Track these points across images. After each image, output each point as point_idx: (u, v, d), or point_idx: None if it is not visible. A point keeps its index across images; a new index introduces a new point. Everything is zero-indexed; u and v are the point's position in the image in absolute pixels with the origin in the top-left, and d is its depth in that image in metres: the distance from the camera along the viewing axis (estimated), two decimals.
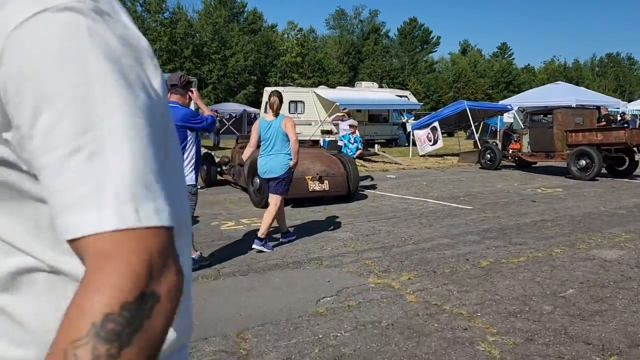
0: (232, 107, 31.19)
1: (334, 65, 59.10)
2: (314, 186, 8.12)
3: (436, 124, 16.65)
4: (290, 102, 22.31)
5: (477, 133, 23.28)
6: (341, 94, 23.06)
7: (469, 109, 16.32)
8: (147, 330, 0.50)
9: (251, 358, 2.99)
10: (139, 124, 0.56)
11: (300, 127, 22.08)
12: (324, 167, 8.35)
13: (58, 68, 0.54)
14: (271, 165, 5.37)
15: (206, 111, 4.72)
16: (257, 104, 37.84)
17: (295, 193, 7.80)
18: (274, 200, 5.45)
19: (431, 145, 16.90)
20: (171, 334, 0.70)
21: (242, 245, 5.65)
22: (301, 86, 57.49)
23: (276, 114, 5.36)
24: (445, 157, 17.62)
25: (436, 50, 68.85)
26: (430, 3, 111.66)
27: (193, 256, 4.58)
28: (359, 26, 67.89)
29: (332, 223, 6.85)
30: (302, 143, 7.14)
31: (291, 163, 5.34)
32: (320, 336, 3.28)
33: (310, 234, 6.22)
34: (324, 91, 23.08)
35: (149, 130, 0.57)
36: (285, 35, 60.40)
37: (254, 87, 54.37)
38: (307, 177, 8.11)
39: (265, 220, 5.37)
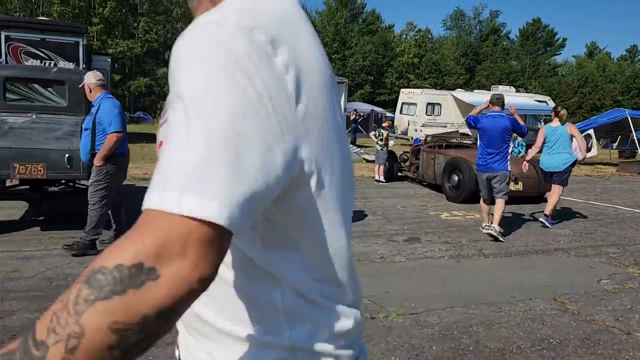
0: (361, 107, 32.35)
1: (450, 67, 58.57)
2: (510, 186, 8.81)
3: (591, 131, 16.48)
4: (428, 104, 22.97)
5: (615, 142, 22.45)
6: (480, 97, 23.28)
7: (631, 117, 15.98)
8: (128, 298, 0.50)
9: (582, 316, 3.83)
10: (230, 132, 0.56)
11: (435, 129, 22.89)
12: (518, 169, 9.02)
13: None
14: (556, 161, 6.92)
15: (520, 120, 6.33)
16: (373, 104, 38.77)
17: None
18: (557, 189, 7.06)
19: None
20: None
21: (475, 232, 6.52)
22: (416, 87, 57.97)
23: (562, 121, 6.81)
24: (595, 165, 17.37)
25: (560, 53, 65.69)
26: (556, 3, 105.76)
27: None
28: (478, 27, 66.49)
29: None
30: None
31: (579, 157, 7.02)
32: (629, 306, 4.05)
33: (530, 229, 6.98)
34: (461, 94, 23.46)
35: (237, 141, 0.56)
36: (404, 36, 60.78)
37: (370, 87, 55.55)
38: None
39: (551, 203, 7.10)
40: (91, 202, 4.91)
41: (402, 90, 25.30)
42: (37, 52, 14.72)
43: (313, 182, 0.68)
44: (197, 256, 0.53)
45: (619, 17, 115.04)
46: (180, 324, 0.81)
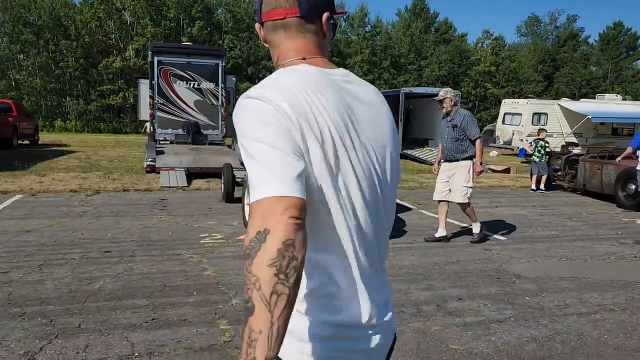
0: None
1: (528, 74, 57.70)
2: None
3: None
4: (534, 114, 23.18)
5: None
6: (586, 106, 23.25)
7: None
8: (263, 251, 0.87)
9: None
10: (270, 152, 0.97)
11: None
12: None
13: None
14: None
15: None
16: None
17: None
18: None
19: None
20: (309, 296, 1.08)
21: None
22: (493, 96, 57.31)
23: None
24: None
25: None
26: (638, 5, 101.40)
27: None
28: (554, 32, 65.12)
29: None
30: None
31: None
32: None
33: None
34: (568, 103, 23.49)
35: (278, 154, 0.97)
36: (479, 44, 60.46)
37: None
38: None
39: None
40: None
41: (504, 100, 25.58)
42: (183, 74, 16.35)
43: (316, 195, 1.04)
44: (288, 215, 0.90)
45: None
46: None
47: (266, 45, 1.27)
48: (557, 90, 57.45)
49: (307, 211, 0.95)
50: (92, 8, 48.60)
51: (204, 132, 15.77)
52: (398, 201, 6.92)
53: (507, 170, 16.02)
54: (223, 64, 17.04)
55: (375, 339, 1.14)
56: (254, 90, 1.06)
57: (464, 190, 6.20)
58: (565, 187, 11.93)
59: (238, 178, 8.95)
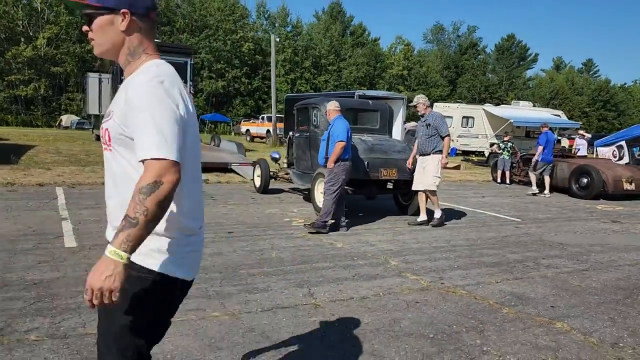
0: None
1: (436, 79, 62.27)
2: (627, 186, 11.59)
3: (623, 142, 19.65)
4: (463, 117, 25.85)
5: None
6: (507, 112, 26.34)
7: None
8: (158, 191, 1.37)
9: None
10: (167, 120, 1.44)
11: (469, 139, 25.86)
12: (631, 172, 11.82)
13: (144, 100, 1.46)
14: None
15: None
16: None
17: (615, 191, 11.35)
18: None
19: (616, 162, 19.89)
20: (170, 224, 1.57)
21: None
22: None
23: None
24: None
25: (533, 67, 70.71)
26: (528, 19, 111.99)
27: None
28: (456, 41, 70.64)
29: None
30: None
31: None
32: None
33: None
34: (491, 108, 26.46)
35: (173, 123, 1.46)
36: (393, 49, 64.00)
37: None
38: (622, 179, 11.59)
39: None
40: (325, 194, 6.59)
41: (435, 104, 28.09)
42: None
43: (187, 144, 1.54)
44: (174, 172, 1.42)
45: (578, 31, 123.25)
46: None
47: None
48: (460, 95, 62.68)
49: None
50: None
51: None
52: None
53: (457, 167, 18.10)
54: (192, 62, 17.42)
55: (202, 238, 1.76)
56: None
57: (434, 180, 7.24)
58: (517, 181, 14.06)
59: (271, 172, 9.78)
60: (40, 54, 45.31)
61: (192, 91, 16.77)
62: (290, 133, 9.48)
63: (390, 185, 8.37)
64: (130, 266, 1.42)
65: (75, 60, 46.76)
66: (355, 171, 7.02)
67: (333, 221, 6.67)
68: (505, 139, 14.31)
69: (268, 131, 29.89)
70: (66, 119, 43.32)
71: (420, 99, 7.48)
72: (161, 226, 1.52)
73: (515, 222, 8.22)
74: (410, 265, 5.20)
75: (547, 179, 11.82)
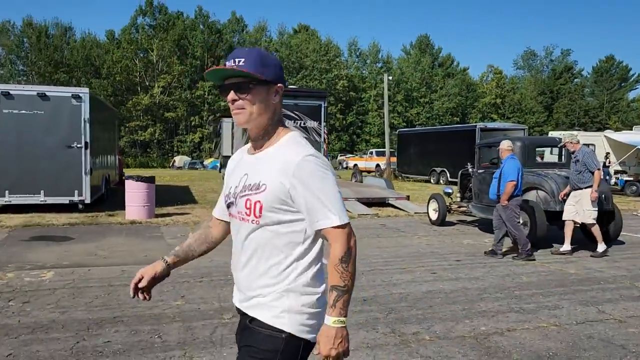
0: None
1: (531, 105, 60.88)
2: None
3: None
4: (583, 144, 25.35)
5: None
6: (630, 137, 25.50)
7: None
8: (353, 255, 1.53)
9: None
10: (335, 189, 1.54)
11: None
12: None
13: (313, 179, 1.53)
14: None
15: None
16: None
17: None
18: None
19: None
20: (313, 283, 1.61)
21: None
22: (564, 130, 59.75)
23: None
24: None
25: (637, 88, 67.20)
26: (628, 40, 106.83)
27: None
28: (549, 65, 68.81)
29: None
30: None
31: None
32: None
33: None
34: (613, 135, 25.77)
35: (337, 190, 1.55)
36: (485, 78, 63.59)
37: None
38: None
39: None
40: (510, 230, 7.13)
41: (551, 133, 27.81)
42: (291, 114, 17.96)
43: None
44: (354, 237, 1.57)
45: None
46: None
47: (254, 103, 1.59)
48: (557, 121, 60.74)
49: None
50: (120, 48, 50.03)
51: None
52: None
53: None
54: (325, 105, 18.75)
55: None
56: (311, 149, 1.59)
57: (590, 214, 7.49)
58: None
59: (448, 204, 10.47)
60: (155, 102, 49.64)
61: (325, 132, 17.99)
62: (469, 169, 10.13)
63: None
64: (274, 328, 1.57)
65: (185, 105, 50.76)
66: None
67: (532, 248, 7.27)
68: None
69: (377, 165, 30.79)
70: (179, 159, 46.71)
71: (567, 137, 7.94)
72: (316, 287, 1.62)
73: None
74: None
75: None
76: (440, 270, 6.34)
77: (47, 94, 10.50)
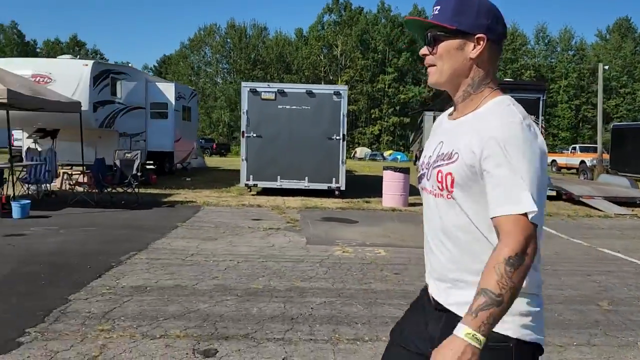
0: None
1: None
2: None
3: None
4: None
5: None
6: None
7: None
8: (524, 265, 1.13)
9: None
10: (537, 174, 1.19)
11: None
12: None
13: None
14: None
15: None
16: None
17: None
18: None
19: None
20: (529, 281, 1.21)
21: None
22: None
23: None
24: None
25: None
26: None
27: None
28: None
29: None
30: None
31: None
32: None
33: None
34: None
35: (541, 179, 1.20)
36: None
37: None
38: None
39: None
40: None
41: None
42: None
43: None
44: (535, 240, 1.18)
45: None
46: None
47: (471, 59, 1.33)
48: None
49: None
50: (308, 45, 53.24)
51: None
52: None
53: None
54: (544, 98, 17.85)
55: None
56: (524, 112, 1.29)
57: None
58: None
59: None
60: None
61: (543, 126, 17.19)
62: None
63: None
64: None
65: (365, 98, 52.40)
66: None
67: None
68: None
69: (582, 162, 28.57)
70: (360, 151, 48.36)
71: None
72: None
73: None
74: None
75: None
76: None
77: (314, 91, 11.76)
